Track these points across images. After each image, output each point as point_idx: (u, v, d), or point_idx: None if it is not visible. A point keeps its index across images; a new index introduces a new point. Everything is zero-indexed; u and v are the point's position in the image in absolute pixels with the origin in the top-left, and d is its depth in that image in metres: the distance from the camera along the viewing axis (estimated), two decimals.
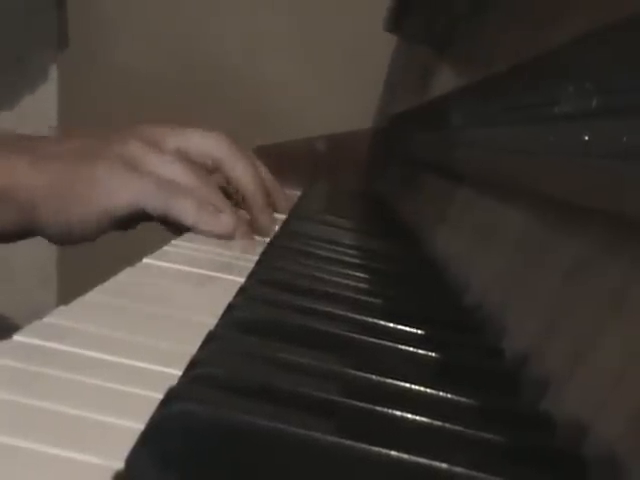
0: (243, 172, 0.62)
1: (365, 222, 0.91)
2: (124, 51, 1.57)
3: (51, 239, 0.62)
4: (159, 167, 0.59)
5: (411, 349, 0.35)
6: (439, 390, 0.30)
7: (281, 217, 0.72)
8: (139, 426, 0.22)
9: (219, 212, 0.58)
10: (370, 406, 0.26)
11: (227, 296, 0.38)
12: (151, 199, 0.57)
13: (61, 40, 1.55)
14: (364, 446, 0.23)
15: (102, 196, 0.58)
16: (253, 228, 0.62)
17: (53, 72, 1.56)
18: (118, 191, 0.58)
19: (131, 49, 1.57)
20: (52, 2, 1.53)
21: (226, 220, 0.58)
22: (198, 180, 0.60)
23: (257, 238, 0.61)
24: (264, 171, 0.74)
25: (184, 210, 0.58)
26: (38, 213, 0.59)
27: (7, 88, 1.50)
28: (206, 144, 0.62)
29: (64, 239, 0.61)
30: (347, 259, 0.56)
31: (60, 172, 0.59)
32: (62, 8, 1.54)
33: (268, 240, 0.60)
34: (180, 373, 0.27)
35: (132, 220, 0.61)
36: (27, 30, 1.51)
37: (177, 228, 0.62)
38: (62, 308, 0.32)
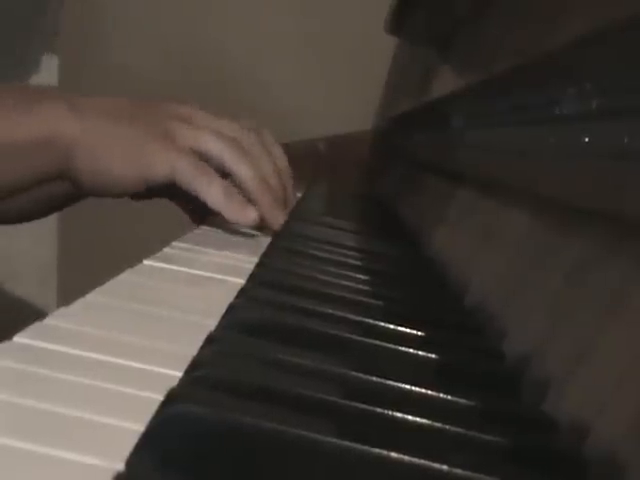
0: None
1: (365, 223, 0.91)
2: (124, 51, 1.57)
3: (85, 191, 0.62)
4: (196, 144, 0.60)
5: (411, 351, 0.35)
6: (439, 392, 0.30)
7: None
8: (139, 427, 0.22)
9: (246, 204, 0.59)
10: (370, 408, 0.26)
11: (227, 297, 0.38)
12: (186, 174, 0.58)
13: (59, 40, 1.55)
14: (364, 448, 0.23)
15: (141, 160, 0.58)
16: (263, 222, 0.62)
17: (53, 71, 1.56)
18: (156, 158, 0.58)
19: (131, 49, 1.57)
20: (50, 1, 1.53)
21: (251, 213, 0.59)
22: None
23: (259, 239, 0.61)
24: (283, 166, 0.73)
25: (214, 194, 0.58)
26: (74, 163, 0.59)
27: None
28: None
29: (97, 192, 0.62)
30: (347, 261, 0.56)
31: (99, 126, 0.59)
32: (60, 7, 1.54)
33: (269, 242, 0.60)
34: (181, 374, 0.27)
35: (161, 190, 0.61)
36: (25, 30, 1.51)
37: (198, 214, 0.63)
38: (62, 309, 0.32)
